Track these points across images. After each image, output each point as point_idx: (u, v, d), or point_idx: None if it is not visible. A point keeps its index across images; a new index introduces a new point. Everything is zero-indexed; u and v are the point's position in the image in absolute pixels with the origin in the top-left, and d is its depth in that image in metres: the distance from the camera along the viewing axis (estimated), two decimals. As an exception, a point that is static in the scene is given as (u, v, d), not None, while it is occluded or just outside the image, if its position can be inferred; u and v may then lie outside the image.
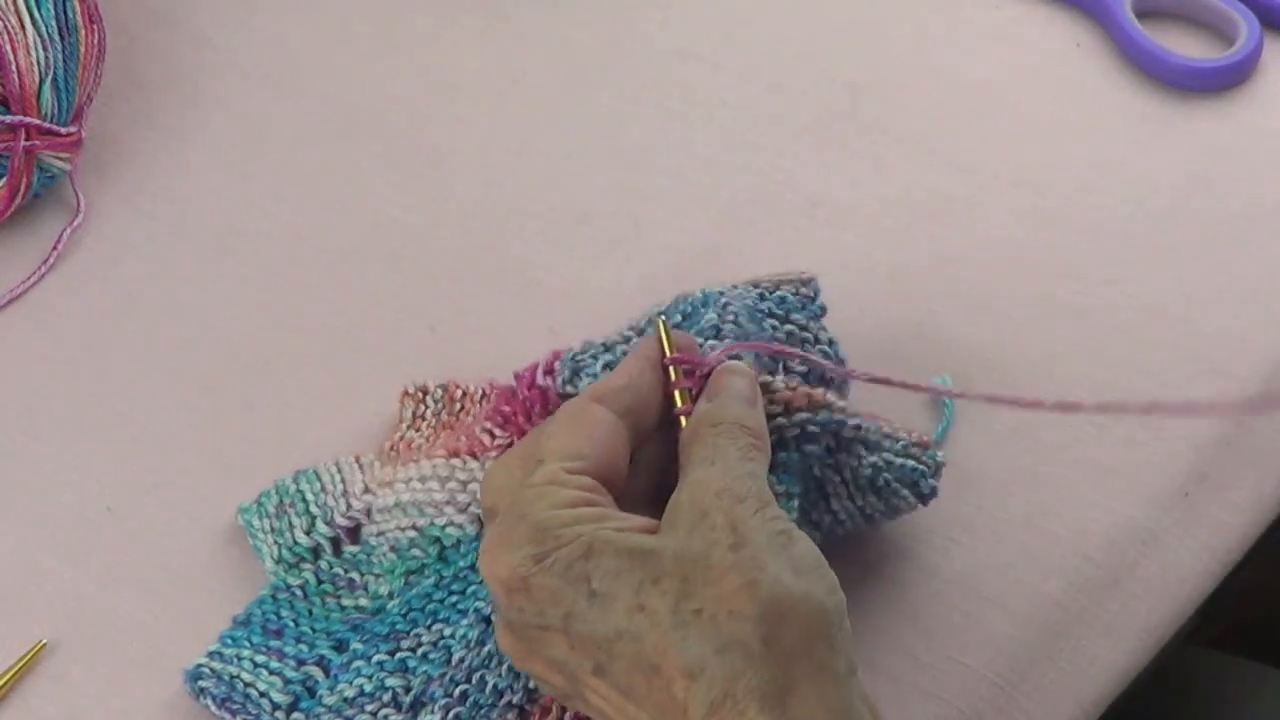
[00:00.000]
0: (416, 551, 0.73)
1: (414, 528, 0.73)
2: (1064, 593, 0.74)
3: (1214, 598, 0.75)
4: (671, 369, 0.68)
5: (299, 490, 0.76)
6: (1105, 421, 0.78)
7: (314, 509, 0.75)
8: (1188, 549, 0.75)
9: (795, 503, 0.69)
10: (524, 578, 0.62)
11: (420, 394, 0.80)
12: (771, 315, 0.74)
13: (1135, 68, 0.92)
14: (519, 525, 0.63)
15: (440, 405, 0.80)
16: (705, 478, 0.63)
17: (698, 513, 0.61)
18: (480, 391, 0.80)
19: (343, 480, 0.76)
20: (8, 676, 0.73)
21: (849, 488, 0.71)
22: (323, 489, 0.76)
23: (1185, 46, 0.93)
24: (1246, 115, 0.90)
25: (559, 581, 0.62)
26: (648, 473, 0.67)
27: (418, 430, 0.79)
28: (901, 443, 0.71)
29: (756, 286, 0.75)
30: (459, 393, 0.80)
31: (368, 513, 0.75)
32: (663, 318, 0.69)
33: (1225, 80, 0.91)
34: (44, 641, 0.74)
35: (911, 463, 0.72)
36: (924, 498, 0.72)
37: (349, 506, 0.75)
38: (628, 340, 0.74)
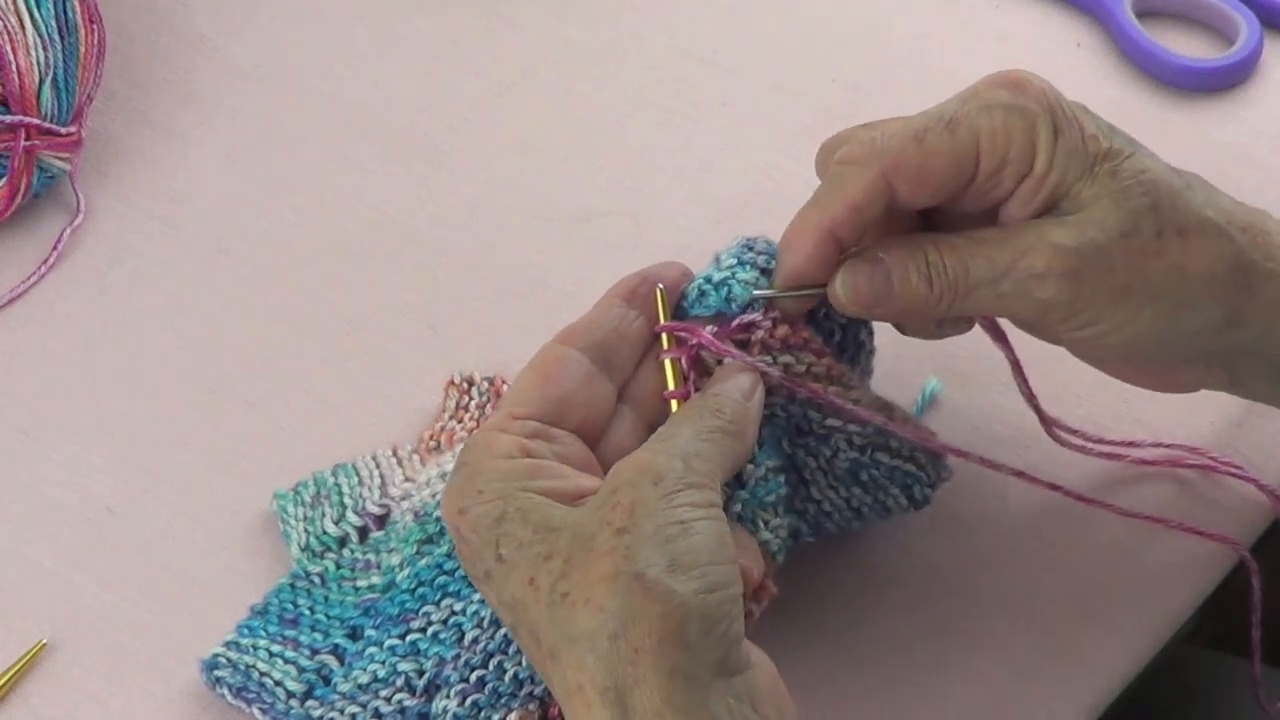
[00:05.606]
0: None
1: None
2: (1064, 592, 0.74)
3: (1214, 598, 0.75)
4: (663, 337, 0.67)
5: (336, 484, 0.76)
6: (1105, 421, 0.78)
7: (347, 500, 0.76)
8: (1188, 549, 0.75)
9: (782, 477, 0.67)
10: (456, 527, 0.63)
11: (465, 384, 0.80)
12: None
13: (1135, 68, 0.92)
14: (459, 472, 0.64)
15: (485, 398, 0.79)
16: (639, 453, 0.62)
17: (611, 488, 0.61)
18: None
19: (380, 474, 0.76)
20: (8, 676, 0.72)
21: (826, 476, 0.70)
22: (360, 482, 0.76)
23: (1185, 46, 0.93)
24: (1246, 115, 0.90)
25: (476, 539, 0.62)
26: None
27: (460, 422, 0.79)
28: (900, 444, 0.71)
29: None
30: (504, 386, 0.80)
31: (403, 498, 0.75)
32: (661, 287, 0.69)
33: (1225, 80, 0.91)
34: (44, 641, 0.74)
35: (908, 466, 0.71)
36: (916, 503, 0.72)
37: (384, 495, 0.75)
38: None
